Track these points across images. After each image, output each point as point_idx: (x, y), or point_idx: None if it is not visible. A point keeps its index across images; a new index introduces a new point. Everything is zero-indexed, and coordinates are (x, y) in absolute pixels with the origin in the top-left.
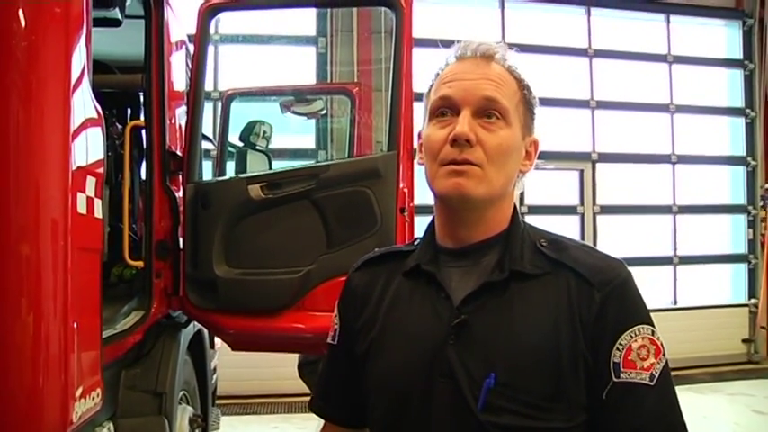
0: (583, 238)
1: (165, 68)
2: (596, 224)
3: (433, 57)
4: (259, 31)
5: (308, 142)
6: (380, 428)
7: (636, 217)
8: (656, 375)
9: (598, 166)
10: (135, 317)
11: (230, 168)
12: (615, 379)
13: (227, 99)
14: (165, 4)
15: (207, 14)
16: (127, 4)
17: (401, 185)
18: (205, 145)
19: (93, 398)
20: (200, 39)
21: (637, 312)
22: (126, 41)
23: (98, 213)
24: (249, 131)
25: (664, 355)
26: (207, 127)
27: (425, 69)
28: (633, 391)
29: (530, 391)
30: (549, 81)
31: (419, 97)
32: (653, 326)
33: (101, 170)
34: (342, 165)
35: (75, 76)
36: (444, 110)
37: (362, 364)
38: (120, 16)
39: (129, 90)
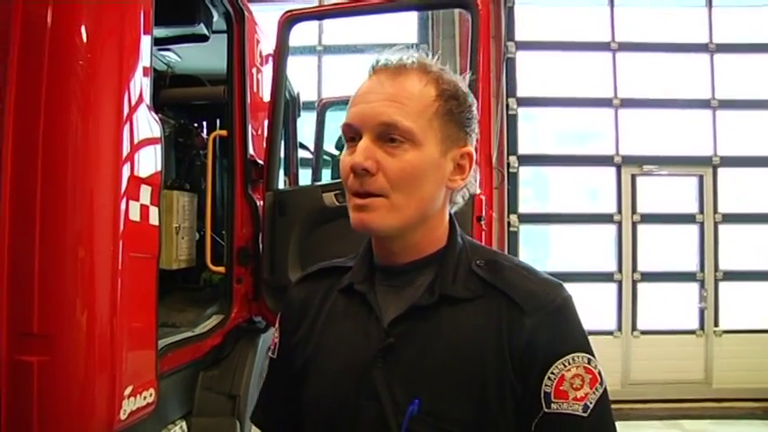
0: (702, 248)
1: (248, 80)
2: (718, 233)
3: (539, 59)
4: (361, 40)
5: None
6: None
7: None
8: (591, 406)
9: (720, 170)
10: (215, 321)
11: (327, 176)
12: (546, 409)
13: (322, 108)
14: (246, 19)
15: (285, 25)
16: (214, 20)
17: (478, 193)
18: (303, 153)
19: (146, 397)
20: (280, 49)
21: (571, 340)
22: (218, 56)
23: (153, 221)
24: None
25: (601, 384)
26: (309, 136)
27: (531, 72)
28: (564, 423)
29: (453, 420)
30: (663, 80)
31: (522, 102)
32: (590, 354)
33: (158, 179)
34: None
35: (131, 89)
36: (352, 135)
37: (299, 381)
38: (206, 32)
39: (216, 102)
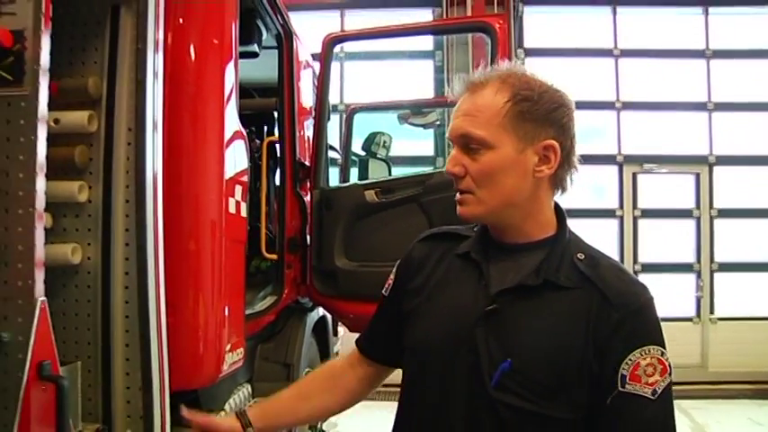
0: (699, 241)
1: (295, 91)
2: (713, 227)
3: (546, 64)
4: (381, 48)
5: (428, 148)
6: (409, 381)
7: (761, 221)
8: (659, 392)
9: (716, 168)
10: (269, 301)
11: (354, 175)
12: (621, 389)
13: (350, 113)
14: (293, 36)
15: (330, 44)
16: (263, 38)
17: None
18: (331, 154)
19: (238, 353)
20: (324, 65)
21: (649, 334)
22: (261, 67)
23: (243, 213)
24: (371, 142)
25: (669, 375)
26: (334, 137)
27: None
28: (635, 402)
29: (537, 381)
30: (663, 84)
31: None
32: (664, 348)
33: (245, 179)
34: (445, 173)
35: (227, 101)
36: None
37: (406, 321)
38: (257, 49)
39: (265, 110)
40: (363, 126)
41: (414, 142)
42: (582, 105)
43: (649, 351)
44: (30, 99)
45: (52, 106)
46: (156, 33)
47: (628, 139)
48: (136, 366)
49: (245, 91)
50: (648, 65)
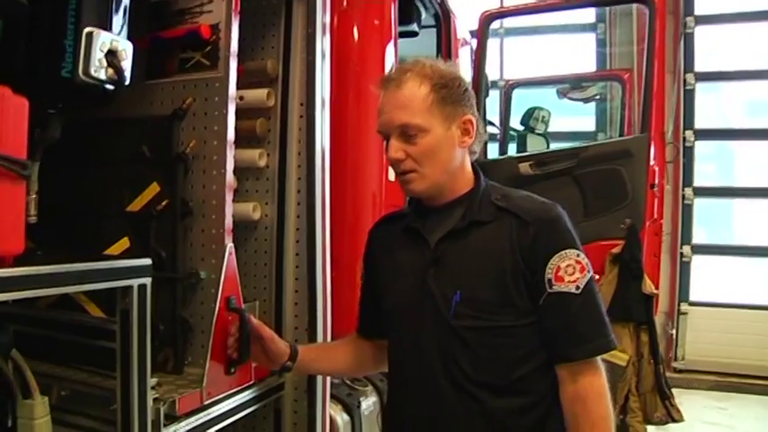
0: None
1: None
2: None
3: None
4: (541, 22)
5: (590, 124)
6: (392, 335)
7: None
8: (582, 287)
9: None
10: None
11: (512, 149)
12: (549, 290)
13: (509, 89)
14: (450, 15)
15: (486, 21)
16: (422, 18)
17: (652, 163)
18: (490, 129)
19: None
20: (481, 39)
21: (564, 240)
22: (419, 45)
23: None
24: (529, 116)
25: (588, 271)
26: (493, 113)
27: (715, 47)
28: (562, 298)
29: (484, 301)
30: None
31: (702, 77)
32: (579, 250)
33: None
34: (599, 146)
35: None
36: (385, 136)
37: (382, 293)
38: (417, 29)
39: None
40: (523, 101)
41: (575, 117)
42: (761, 75)
43: (567, 254)
44: (222, 80)
45: (238, 85)
46: (323, 18)
47: None
48: (303, 309)
49: None
50: None
